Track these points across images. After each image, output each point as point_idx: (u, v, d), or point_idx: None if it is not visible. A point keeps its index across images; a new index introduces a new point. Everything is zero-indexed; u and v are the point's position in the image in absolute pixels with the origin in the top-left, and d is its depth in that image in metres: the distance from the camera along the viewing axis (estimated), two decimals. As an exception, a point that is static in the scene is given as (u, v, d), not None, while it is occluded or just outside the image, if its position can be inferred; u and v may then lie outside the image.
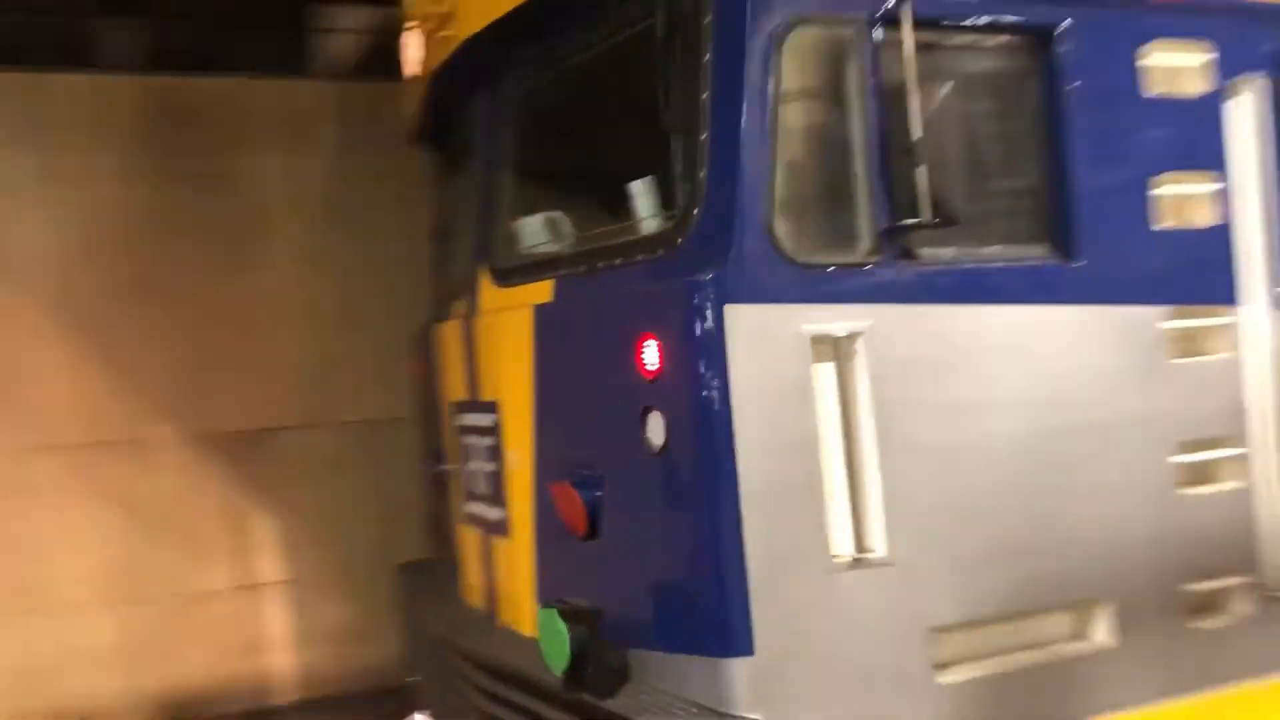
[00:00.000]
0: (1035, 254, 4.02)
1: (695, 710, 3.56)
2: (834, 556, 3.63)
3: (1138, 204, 4.18)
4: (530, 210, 5.02)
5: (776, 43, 3.62)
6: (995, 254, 3.95)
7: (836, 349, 3.65)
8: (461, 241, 5.73)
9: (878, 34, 3.71)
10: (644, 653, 3.87)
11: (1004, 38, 4.01)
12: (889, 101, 3.69)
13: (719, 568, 3.52)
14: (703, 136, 3.67)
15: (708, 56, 3.69)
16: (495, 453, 4.90)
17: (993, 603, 3.89)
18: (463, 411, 5.31)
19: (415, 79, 6.01)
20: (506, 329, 4.74)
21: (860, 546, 3.67)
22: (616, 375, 3.93)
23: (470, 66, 5.01)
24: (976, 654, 3.88)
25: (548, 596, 4.50)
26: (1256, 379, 4.35)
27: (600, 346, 4.06)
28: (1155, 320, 4.18)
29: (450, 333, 5.45)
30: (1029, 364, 3.94)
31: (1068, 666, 4.00)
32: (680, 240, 3.74)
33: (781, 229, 3.60)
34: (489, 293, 5.02)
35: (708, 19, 3.69)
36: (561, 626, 3.83)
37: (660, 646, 3.78)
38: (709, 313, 3.50)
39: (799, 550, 3.59)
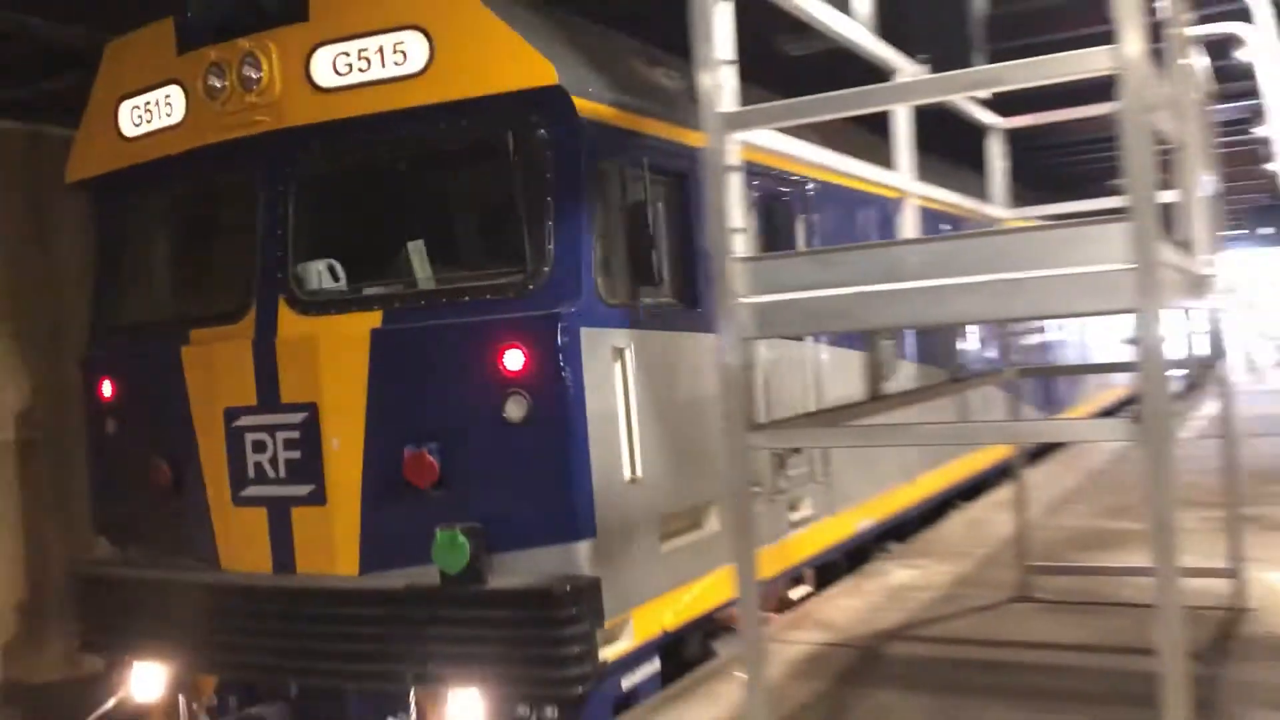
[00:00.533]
0: (686, 303, 6.95)
1: (560, 576, 5.78)
2: (624, 477, 6.14)
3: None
4: (307, 259, 6.64)
5: (592, 173, 6.07)
6: (672, 303, 6.80)
7: (620, 355, 6.17)
8: (203, 280, 6.96)
9: (629, 173, 6.35)
10: (500, 555, 5.93)
11: (673, 178, 6.89)
12: (637, 210, 6.33)
13: (576, 485, 5.83)
14: (549, 224, 5.96)
15: (549, 175, 5.98)
16: (306, 441, 6.40)
17: (679, 503, 6.68)
18: (246, 414, 6.60)
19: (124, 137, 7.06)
20: (329, 346, 6.32)
21: (633, 471, 6.22)
22: (472, 374, 5.97)
23: (269, 144, 6.46)
24: (673, 534, 6.64)
25: (374, 541, 6.26)
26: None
27: (455, 356, 6.04)
28: (725, 342, 7.33)
29: (222, 351, 6.67)
30: (687, 363, 6.84)
31: (707, 541, 6.94)
32: (531, 287, 5.95)
33: (600, 282, 6.06)
34: (289, 320, 6.49)
35: (549, 153, 5.99)
36: (463, 540, 5.76)
37: (524, 545, 5.90)
38: (571, 332, 5.81)
39: (610, 474, 6.04)
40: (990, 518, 10.51)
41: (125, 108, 7.07)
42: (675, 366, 6.74)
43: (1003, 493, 10.73)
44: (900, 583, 8.24)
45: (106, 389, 7.34)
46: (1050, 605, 7.19)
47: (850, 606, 7.71)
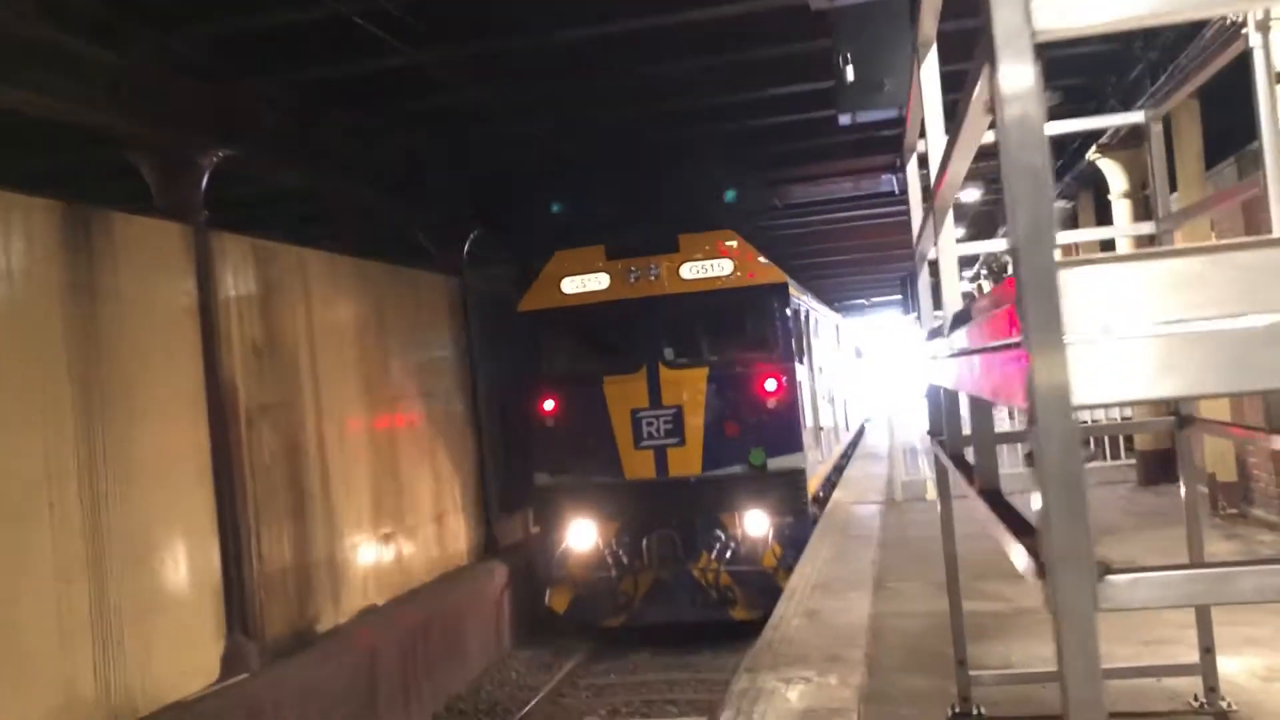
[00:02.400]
0: (798, 357, 16.95)
1: (795, 466, 15.43)
2: (810, 427, 15.98)
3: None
4: (670, 346, 16.04)
5: (792, 311, 15.91)
6: (797, 354, 16.83)
7: (801, 380, 16.00)
8: (608, 355, 16.21)
9: (796, 310, 16.24)
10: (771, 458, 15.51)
11: (797, 310, 16.82)
12: (797, 321, 16.22)
13: (797, 431, 15.53)
14: (779, 328, 15.67)
15: (780, 311, 15.70)
16: (675, 419, 15.69)
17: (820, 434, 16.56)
18: (643, 411, 15.79)
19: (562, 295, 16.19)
20: (686, 381, 15.71)
21: (812, 425, 16.04)
22: (754, 388, 15.59)
23: (656, 300, 15.79)
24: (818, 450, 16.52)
25: (709, 458, 15.68)
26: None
27: (747, 382, 15.60)
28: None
29: (629, 383, 15.83)
30: (804, 382, 16.78)
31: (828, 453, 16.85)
32: (775, 353, 15.65)
33: (795, 351, 15.93)
34: (665, 371, 15.80)
35: (778, 304, 15.69)
36: (763, 451, 15.32)
37: (778, 455, 15.49)
38: (790, 371, 15.58)
39: (805, 427, 15.84)
40: (822, 605, 9.62)
41: (567, 281, 16.17)
42: (806, 384, 16.57)
43: (808, 570, 11.81)
44: (804, 707, 6.80)
45: (549, 403, 16.32)
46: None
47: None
